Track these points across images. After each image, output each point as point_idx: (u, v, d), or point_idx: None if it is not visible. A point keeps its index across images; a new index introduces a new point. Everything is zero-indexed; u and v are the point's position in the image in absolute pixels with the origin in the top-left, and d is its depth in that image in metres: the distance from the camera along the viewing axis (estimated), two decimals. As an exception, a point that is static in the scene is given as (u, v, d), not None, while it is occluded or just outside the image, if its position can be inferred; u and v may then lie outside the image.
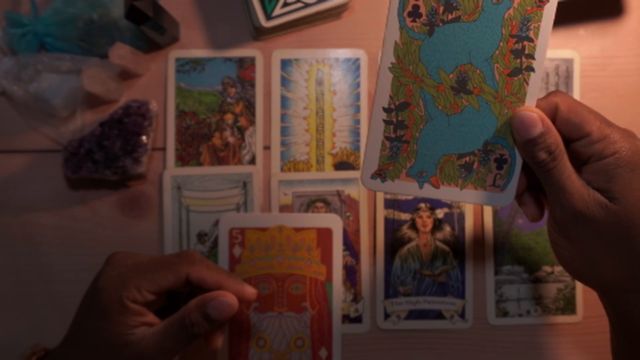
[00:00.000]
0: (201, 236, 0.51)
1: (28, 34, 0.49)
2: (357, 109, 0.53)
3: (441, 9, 0.36)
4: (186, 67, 0.52)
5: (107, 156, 0.49)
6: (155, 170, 0.52)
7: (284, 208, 0.52)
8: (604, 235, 0.34)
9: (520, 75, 0.37)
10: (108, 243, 0.51)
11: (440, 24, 0.36)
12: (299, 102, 0.53)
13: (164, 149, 0.52)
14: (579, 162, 0.35)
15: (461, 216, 0.52)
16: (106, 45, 0.49)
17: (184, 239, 0.51)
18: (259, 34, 0.52)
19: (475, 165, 0.38)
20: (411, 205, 0.52)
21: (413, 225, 0.52)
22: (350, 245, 0.51)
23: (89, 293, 0.39)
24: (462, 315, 0.52)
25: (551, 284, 0.52)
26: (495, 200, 0.38)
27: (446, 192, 0.38)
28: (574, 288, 0.52)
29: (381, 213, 0.51)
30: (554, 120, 0.35)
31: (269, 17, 0.50)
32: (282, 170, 0.52)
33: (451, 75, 0.37)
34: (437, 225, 0.52)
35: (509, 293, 0.52)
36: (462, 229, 0.52)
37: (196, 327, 0.38)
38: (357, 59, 0.53)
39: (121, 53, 0.47)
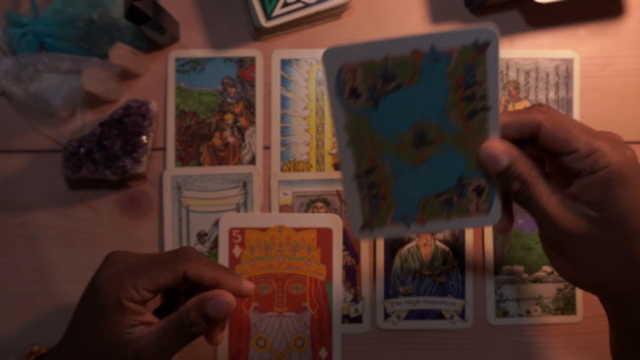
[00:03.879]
0: (201, 236, 0.51)
1: (28, 34, 0.49)
2: (357, 109, 0.53)
3: (379, 82, 0.35)
4: (186, 67, 0.52)
5: (107, 156, 0.49)
6: (155, 170, 0.52)
7: (284, 208, 0.52)
8: (596, 248, 0.34)
9: (477, 116, 0.36)
10: (108, 243, 0.51)
11: (383, 95, 0.36)
12: (299, 102, 0.53)
13: (164, 149, 0.52)
14: (570, 175, 0.35)
15: (461, 216, 0.52)
16: (106, 45, 0.49)
17: (184, 239, 0.51)
18: (259, 34, 0.52)
19: (455, 200, 0.38)
20: (411, 205, 0.52)
21: (413, 225, 0.52)
22: (350, 245, 0.51)
23: (87, 292, 0.39)
24: (462, 315, 0.52)
25: (551, 284, 0.52)
26: (482, 222, 0.38)
27: (434, 226, 0.38)
28: (574, 288, 0.52)
29: (381, 213, 0.51)
30: (537, 135, 0.35)
31: (269, 17, 0.50)
32: (282, 170, 0.52)
33: (408, 134, 0.37)
34: (437, 225, 0.52)
35: (509, 293, 0.52)
36: (462, 229, 0.52)
37: (195, 327, 0.38)
38: (357, 59, 0.53)
39: (121, 53, 0.47)
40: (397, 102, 0.36)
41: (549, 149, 0.35)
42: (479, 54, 0.35)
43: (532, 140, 0.36)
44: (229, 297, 0.38)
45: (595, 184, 0.34)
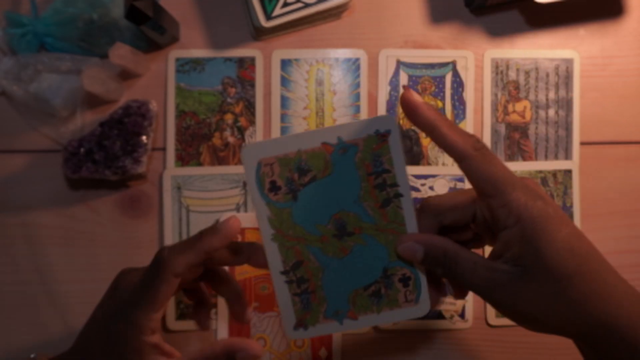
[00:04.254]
0: (201, 236, 0.51)
1: (28, 34, 0.49)
2: (357, 109, 0.53)
3: (296, 175, 0.37)
4: (186, 67, 0.52)
5: (107, 156, 0.49)
6: (155, 170, 0.52)
7: (284, 208, 0.52)
8: (534, 302, 0.34)
9: (391, 204, 0.38)
10: (108, 243, 0.51)
11: (301, 188, 0.37)
12: (299, 102, 0.53)
13: (164, 149, 0.52)
14: (495, 232, 0.35)
15: (461, 216, 0.52)
16: (106, 45, 0.49)
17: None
18: (259, 34, 0.52)
19: (382, 291, 0.38)
20: (411, 205, 0.52)
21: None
22: (350, 245, 0.51)
23: (104, 331, 0.38)
24: (462, 315, 0.52)
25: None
26: (412, 313, 0.39)
27: (366, 320, 0.39)
28: (573, 288, 0.52)
29: (381, 213, 0.51)
30: (462, 165, 0.35)
31: (269, 17, 0.50)
32: (282, 170, 0.52)
33: (329, 226, 0.38)
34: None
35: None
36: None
37: None
38: (357, 59, 0.53)
39: (121, 53, 0.47)
40: (314, 193, 0.37)
41: (472, 183, 0.35)
42: (382, 142, 0.36)
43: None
44: (259, 349, 0.38)
45: (513, 239, 0.34)
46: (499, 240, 0.35)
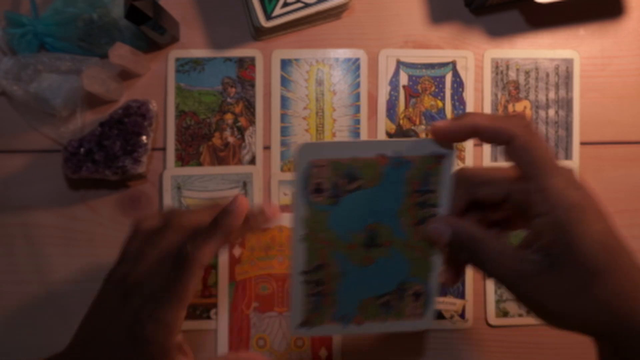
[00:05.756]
0: (201, 236, 0.51)
1: (28, 34, 0.49)
2: (357, 109, 0.53)
3: (344, 181, 0.37)
4: (186, 67, 0.52)
5: (107, 156, 0.49)
6: (155, 170, 0.52)
7: (284, 208, 0.51)
8: (556, 295, 0.33)
9: (426, 223, 0.38)
10: (108, 243, 0.51)
11: (345, 194, 0.37)
12: (299, 102, 0.53)
13: (164, 149, 0.52)
14: (528, 218, 0.34)
15: (461, 216, 0.52)
16: (106, 45, 0.49)
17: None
18: (259, 34, 0.52)
19: (393, 302, 0.39)
20: (411, 205, 0.52)
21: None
22: (350, 245, 0.51)
23: (121, 332, 0.37)
24: (462, 315, 0.52)
25: (551, 284, 0.52)
26: (416, 325, 0.40)
27: (369, 327, 0.40)
28: (573, 288, 0.52)
29: (381, 213, 0.51)
30: (507, 145, 0.33)
31: (269, 17, 0.50)
32: (282, 170, 0.52)
33: (361, 235, 0.38)
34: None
35: (509, 293, 0.52)
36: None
37: None
38: (357, 59, 0.53)
39: (121, 53, 0.47)
40: (356, 202, 0.37)
41: (515, 162, 0.34)
42: (436, 164, 0.36)
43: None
44: None
45: (546, 228, 0.32)
46: (531, 228, 0.33)
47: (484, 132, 0.34)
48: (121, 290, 0.37)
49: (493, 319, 0.52)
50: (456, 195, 0.37)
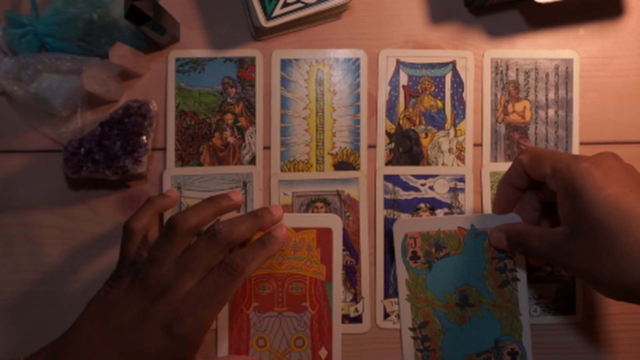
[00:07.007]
0: (201, 236, 0.51)
1: (28, 34, 0.49)
2: (357, 109, 0.53)
3: (433, 249, 0.47)
4: (186, 67, 0.52)
5: (107, 156, 0.49)
6: (155, 170, 0.52)
7: (284, 208, 0.52)
8: (587, 260, 0.36)
9: (508, 285, 0.46)
10: (108, 243, 0.51)
11: (436, 260, 0.47)
12: (299, 102, 0.53)
13: (164, 149, 0.52)
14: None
15: (461, 216, 0.52)
16: (106, 45, 0.49)
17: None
18: (259, 34, 0.52)
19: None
20: (411, 205, 0.52)
21: (413, 226, 0.52)
22: (350, 245, 0.52)
23: (160, 337, 0.39)
24: None
25: (551, 283, 0.52)
26: None
27: None
28: (574, 288, 0.52)
29: (381, 213, 0.51)
30: (524, 172, 0.42)
31: (269, 17, 0.50)
32: (282, 170, 0.52)
33: (454, 295, 0.46)
34: (437, 225, 0.52)
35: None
36: None
37: None
38: (357, 59, 0.53)
39: (121, 53, 0.47)
40: (446, 266, 0.46)
41: (533, 178, 0.41)
42: None
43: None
44: None
45: (562, 200, 0.37)
46: (558, 207, 0.38)
47: (512, 178, 0.44)
48: (154, 288, 0.40)
49: None
50: (528, 208, 0.45)
